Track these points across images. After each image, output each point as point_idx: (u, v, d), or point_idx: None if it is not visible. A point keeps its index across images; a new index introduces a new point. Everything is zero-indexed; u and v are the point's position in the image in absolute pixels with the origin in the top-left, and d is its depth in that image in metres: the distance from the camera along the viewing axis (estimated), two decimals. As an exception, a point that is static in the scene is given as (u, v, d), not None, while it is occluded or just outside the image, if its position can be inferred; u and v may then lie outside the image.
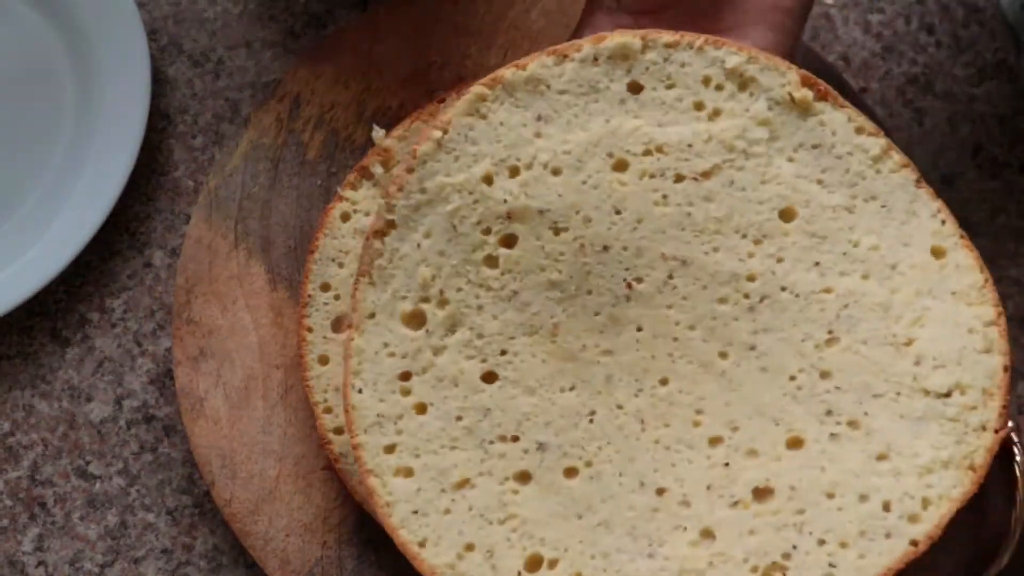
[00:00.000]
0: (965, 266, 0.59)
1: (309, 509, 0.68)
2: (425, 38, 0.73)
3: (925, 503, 0.57)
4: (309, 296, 0.68)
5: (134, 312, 0.73)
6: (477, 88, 0.60)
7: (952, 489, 0.57)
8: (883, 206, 0.60)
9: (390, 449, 0.60)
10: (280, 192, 0.72)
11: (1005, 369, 0.58)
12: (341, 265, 0.68)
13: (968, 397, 0.58)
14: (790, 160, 0.60)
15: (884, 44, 0.75)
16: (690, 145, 0.60)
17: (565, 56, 0.60)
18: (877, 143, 0.60)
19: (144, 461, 0.71)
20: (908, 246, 0.59)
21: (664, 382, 0.59)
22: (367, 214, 0.69)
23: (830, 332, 0.59)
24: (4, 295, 0.71)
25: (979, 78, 0.75)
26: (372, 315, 0.61)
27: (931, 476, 0.57)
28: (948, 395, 0.58)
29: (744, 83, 0.60)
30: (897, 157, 0.60)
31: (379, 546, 0.67)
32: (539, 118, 0.60)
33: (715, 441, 0.59)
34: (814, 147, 0.60)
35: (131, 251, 0.74)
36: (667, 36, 0.60)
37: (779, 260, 0.59)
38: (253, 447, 0.69)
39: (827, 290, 0.59)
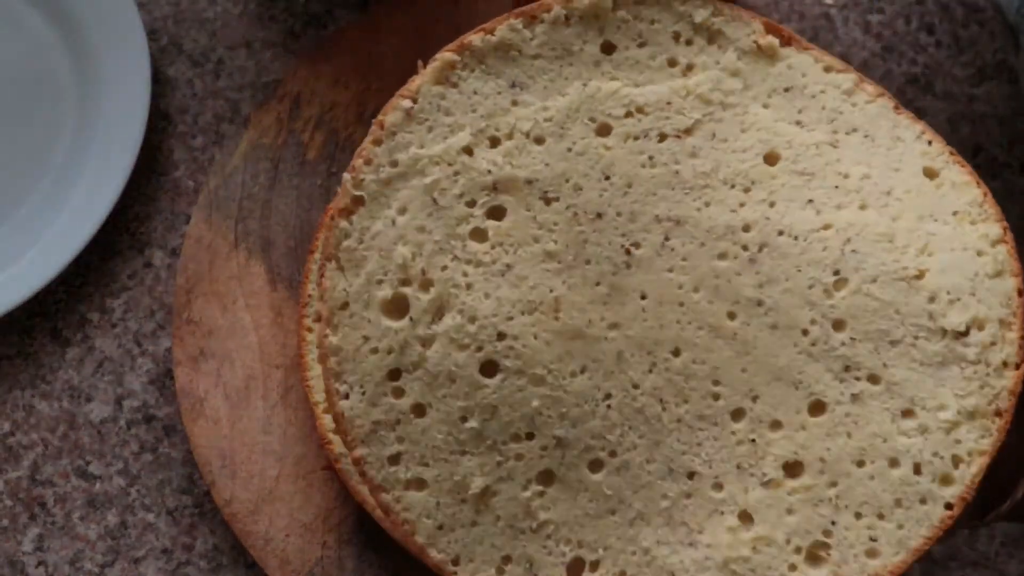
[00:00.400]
0: (961, 183, 0.58)
1: (309, 509, 0.68)
2: (425, 38, 0.73)
3: (956, 461, 0.56)
4: (309, 296, 0.68)
5: (134, 312, 0.73)
6: (445, 55, 0.58)
7: (981, 440, 0.56)
8: (866, 136, 0.59)
9: (395, 460, 0.57)
10: (280, 192, 0.72)
11: (1019, 293, 0.57)
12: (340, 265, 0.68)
13: (986, 332, 0.56)
14: (765, 106, 0.60)
15: (884, 44, 0.75)
16: (669, 103, 0.59)
17: (534, 18, 0.59)
18: (848, 78, 0.60)
19: (144, 461, 0.71)
20: (899, 171, 0.58)
21: (676, 353, 0.57)
22: None
23: (836, 272, 0.57)
24: (4, 295, 0.71)
25: (979, 78, 0.75)
26: (345, 305, 0.57)
27: (959, 430, 0.56)
28: (966, 333, 0.56)
29: (712, 36, 0.60)
30: (871, 88, 0.60)
31: (379, 546, 0.67)
32: (514, 85, 0.59)
33: (737, 414, 0.57)
34: (787, 90, 0.60)
35: (131, 251, 0.74)
36: None
37: (771, 204, 0.58)
38: (253, 447, 0.69)
39: (826, 226, 0.58)
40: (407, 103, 0.58)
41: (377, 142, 0.57)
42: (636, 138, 0.59)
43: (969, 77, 0.75)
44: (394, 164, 0.57)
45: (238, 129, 0.73)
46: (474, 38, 0.59)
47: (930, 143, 0.59)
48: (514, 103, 0.59)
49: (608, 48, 0.60)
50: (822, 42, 0.75)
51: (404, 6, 0.73)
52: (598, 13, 0.59)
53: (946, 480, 0.56)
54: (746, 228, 0.58)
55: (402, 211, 0.57)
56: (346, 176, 0.57)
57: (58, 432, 0.72)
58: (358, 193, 0.57)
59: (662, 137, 0.59)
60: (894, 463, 0.57)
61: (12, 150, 0.74)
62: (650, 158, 0.59)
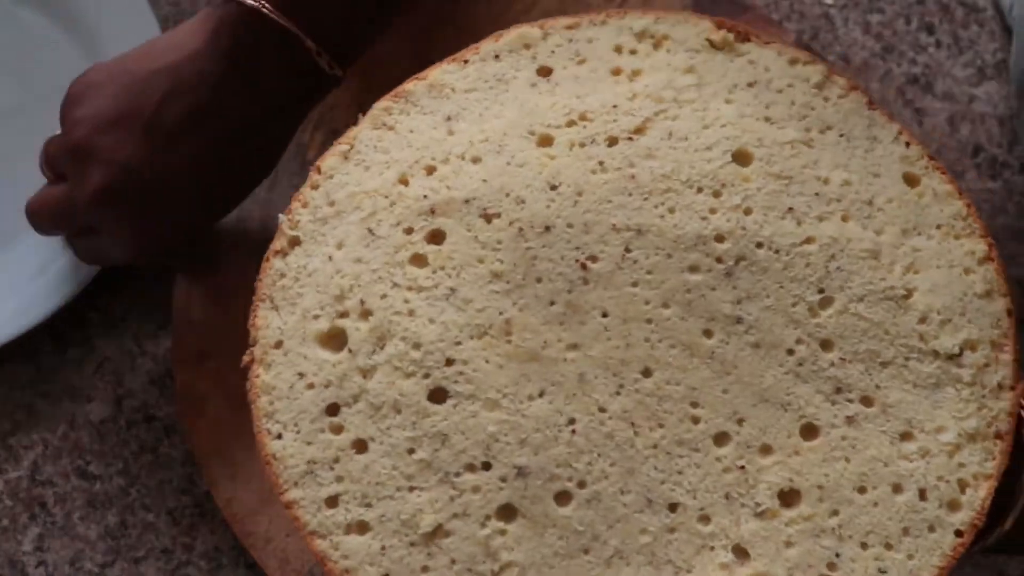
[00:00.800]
0: (943, 193, 0.55)
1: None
2: (425, 38, 0.73)
3: (962, 485, 0.53)
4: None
5: (134, 312, 0.73)
6: (381, 103, 0.57)
7: (985, 464, 0.53)
8: (841, 135, 0.55)
9: (332, 502, 0.52)
10: (281, 192, 0.72)
11: (1009, 313, 0.54)
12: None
13: (979, 354, 0.54)
14: (728, 101, 0.56)
15: (884, 44, 0.75)
16: (615, 106, 0.55)
17: (466, 61, 0.57)
18: (816, 70, 0.56)
19: (144, 461, 0.71)
20: (879, 176, 0.55)
21: (647, 373, 0.53)
22: None
23: (821, 291, 0.53)
24: (38, 303, 0.70)
25: (979, 78, 0.75)
26: (279, 344, 0.54)
27: (961, 453, 0.53)
28: (959, 355, 0.54)
29: (658, 42, 0.57)
30: (842, 81, 0.56)
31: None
32: (448, 118, 0.56)
33: (721, 439, 0.53)
34: (750, 85, 0.56)
35: (131, 251, 0.74)
36: (565, 20, 0.57)
37: (747, 211, 0.54)
38: (253, 448, 0.68)
39: (809, 240, 0.54)
40: (344, 147, 0.56)
41: (315, 186, 0.55)
42: (582, 144, 0.55)
43: (969, 77, 0.75)
44: (331, 204, 0.55)
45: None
46: (408, 85, 0.57)
47: (908, 145, 0.56)
48: (450, 133, 0.56)
49: (545, 72, 0.57)
50: (822, 42, 0.75)
51: (404, 6, 0.73)
52: (528, 43, 0.57)
53: (954, 505, 0.53)
54: (719, 238, 0.54)
55: (339, 246, 0.54)
56: (282, 217, 0.55)
57: (58, 432, 0.72)
58: (294, 234, 0.55)
59: (611, 141, 0.55)
60: (897, 488, 0.53)
61: (17, 150, 0.74)
62: (600, 163, 0.55)
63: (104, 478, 0.71)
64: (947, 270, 0.55)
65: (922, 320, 0.54)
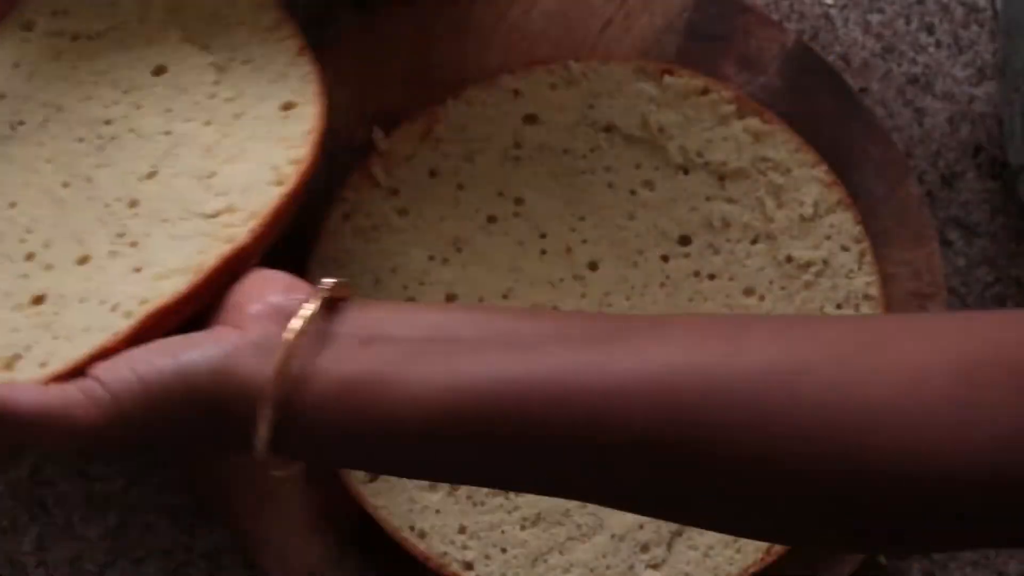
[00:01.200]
0: (306, 115, 0.63)
1: (311, 510, 0.68)
2: (425, 38, 0.73)
3: (143, 302, 0.58)
4: None
5: (134, 312, 0.73)
6: None
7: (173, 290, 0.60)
8: (258, 69, 0.65)
9: None
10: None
11: (287, 195, 0.60)
12: (341, 265, 0.68)
13: (234, 217, 0.60)
14: (183, 28, 0.66)
15: (884, 44, 0.75)
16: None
17: None
18: (272, 17, 0.65)
19: (144, 461, 0.71)
20: (265, 100, 0.64)
21: (13, 205, 0.62)
22: (368, 215, 0.69)
23: (152, 167, 0.62)
24: None
25: (979, 78, 0.75)
26: None
27: (164, 281, 0.60)
28: (216, 216, 0.61)
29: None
30: (287, 29, 0.65)
31: (380, 548, 0.67)
32: None
33: (30, 257, 0.61)
34: (211, 16, 0.66)
35: (131, 251, 0.74)
36: None
37: (138, 107, 0.64)
38: (253, 448, 0.69)
39: (167, 132, 0.63)
40: None
41: None
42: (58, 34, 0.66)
43: (969, 77, 0.75)
44: None
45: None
46: None
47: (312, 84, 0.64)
48: None
49: None
50: (822, 42, 0.75)
51: (404, 6, 0.73)
52: None
53: (128, 315, 0.58)
54: (108, 121, 0.64)
55: None
56: None
57: (58, 432, 0.72)
58: None
59: (74, 37, 0.66)
60: (104, 303, 0.59)
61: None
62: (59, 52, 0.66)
63: (104, 478, 0.71)
64: (257, 164, 0.62)
65: (209, 191, 0.62)
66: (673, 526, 0.66)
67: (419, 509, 0.66)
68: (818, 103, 0.71)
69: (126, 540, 0.70)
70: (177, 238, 0.61)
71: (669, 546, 0.65)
